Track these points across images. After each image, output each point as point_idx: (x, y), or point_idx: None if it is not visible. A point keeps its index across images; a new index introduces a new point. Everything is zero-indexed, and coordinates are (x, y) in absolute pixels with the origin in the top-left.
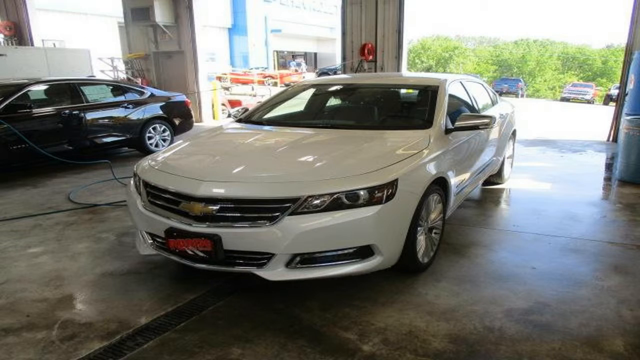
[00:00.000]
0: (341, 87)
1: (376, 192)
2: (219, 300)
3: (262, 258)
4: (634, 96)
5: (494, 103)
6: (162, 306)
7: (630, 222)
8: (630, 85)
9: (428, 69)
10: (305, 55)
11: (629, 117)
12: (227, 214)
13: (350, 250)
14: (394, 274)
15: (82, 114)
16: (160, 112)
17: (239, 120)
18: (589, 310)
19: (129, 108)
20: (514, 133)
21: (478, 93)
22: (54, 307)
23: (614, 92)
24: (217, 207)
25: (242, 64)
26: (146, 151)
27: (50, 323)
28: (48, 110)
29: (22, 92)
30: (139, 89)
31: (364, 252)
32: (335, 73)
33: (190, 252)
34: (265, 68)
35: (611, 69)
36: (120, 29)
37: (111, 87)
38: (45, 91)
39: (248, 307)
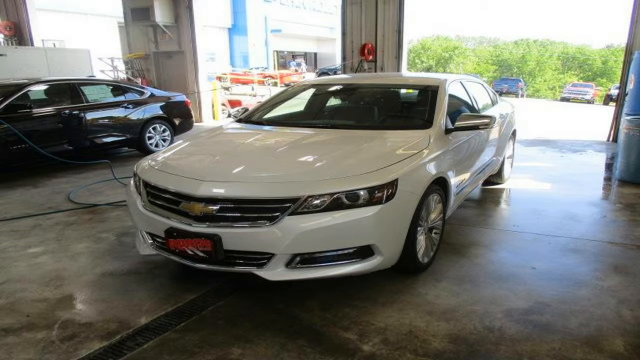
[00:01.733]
0: (341, 87)
1: (376, 192)
2: (219, 300)
3: (262, 258)
4: (634, 96)
5: (494, 103)
6: (162, 306)
7: (630, 222)
8: (630, 85)
9: (428, 69)
10: (305, 55)
11: (629, 117)
12: (227, 214)
13: (350, 250)
14: (394, 274)
15: (82, 114)
16: (160, 112)
17: (239, 120)
18: (589, 310)
19: (129, 108)
20: (514, 133)
21: (478, 93)
22: (54, 307)
23: (614, 92)
24: (217, 207)
25: (242, 64)
26: (146, 151)
27: (50, 323)
28: (48, 110)
29: (22, 92)
30: (139, 89)
31: (364, 252)
32: (335, 73)
33: (190, 252)
34: (265, 68)
35: (611, 69)
36: (120, 29)
37: (111, 87)
38: (45, 91)
39: (248, 307)
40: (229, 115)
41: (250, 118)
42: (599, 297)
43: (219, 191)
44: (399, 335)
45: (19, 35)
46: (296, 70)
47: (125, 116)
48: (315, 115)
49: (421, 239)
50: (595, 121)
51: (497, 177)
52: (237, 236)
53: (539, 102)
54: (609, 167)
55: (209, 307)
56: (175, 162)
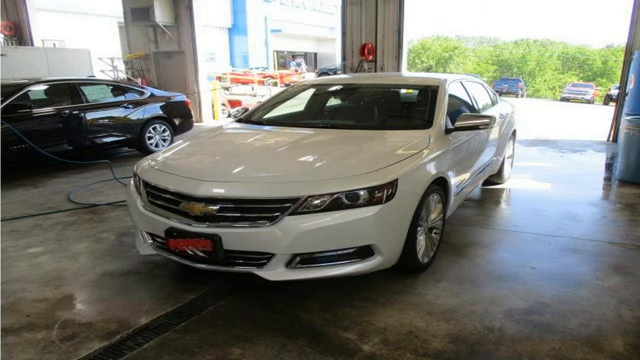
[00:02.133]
0: (341, 87)
1: (376, 192)
2: (219, 300)
3: (262, 258)
4: (634, 96)
5: (494, 103)
6: (162, 306)
7: (630, 222)
8: (630, 85)
9: (428, 69)
10: (305, 55)
11: (629, 117)
12: (227, 214)
13: (350, 250)
14: (394, 274)
15: (82, 114)
16: (160, 112)
17: (239, 120)
18: (589, 310)
19: (129, 108)
20: (514, 133)
21: (478, 93)
22: (54, 307)
23: (614, 92)
24: (217, 207)
25: (242, 64)
26: (146, 151)
27: (50, 323)
28: (48, 110)
29: (22, 92)
30: (139, 89)
31: (364, 252)
32: (335, 73)
33: (190, 252)
34: (265, 68)
35: (611, 69)
36: (120, 29)
37: (111, 87)
38: (45, 91)
39: (248, 307)
40: (229, 115)
41: (250, 118)
42: (599, 297)
43: (219, 191)
44: (399, 335)
45: (19, 35)
46: (296, 70)
47: (125, 116)
48: (315, 115)
49: (421, 239)
50: (595, 121)
51: (497, 177)
52: (237, 236)
53: (539, 102)
54: (609, 167)
55: (209, 307)
56: (175, 162)
